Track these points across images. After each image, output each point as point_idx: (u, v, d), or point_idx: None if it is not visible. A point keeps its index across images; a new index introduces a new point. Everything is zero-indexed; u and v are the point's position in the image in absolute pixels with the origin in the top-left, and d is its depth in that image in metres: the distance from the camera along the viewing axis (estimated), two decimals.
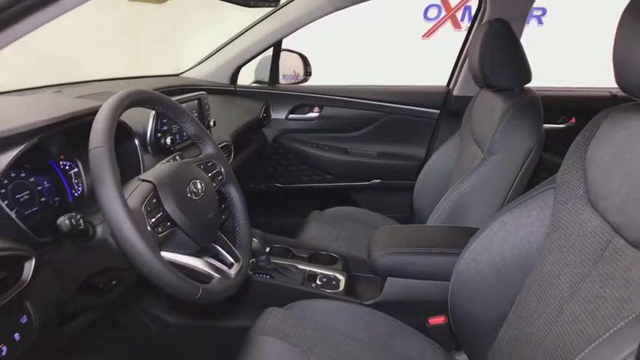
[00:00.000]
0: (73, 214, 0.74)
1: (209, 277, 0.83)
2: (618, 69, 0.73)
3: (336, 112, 2.07)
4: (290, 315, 1.09)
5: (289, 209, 2.15)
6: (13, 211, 0.81)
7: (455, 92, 1.98)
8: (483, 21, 1.73)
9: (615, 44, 0.73)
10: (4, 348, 0.69)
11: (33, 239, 0.76)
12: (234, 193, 1.04)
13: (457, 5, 4.56)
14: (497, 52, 1.40)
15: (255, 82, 2.14)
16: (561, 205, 0.85)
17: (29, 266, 0.70)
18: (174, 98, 1.16)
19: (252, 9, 1.26)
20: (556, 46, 4.07)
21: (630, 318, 0.61)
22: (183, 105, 1.24)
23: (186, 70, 2.03)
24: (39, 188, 0.93)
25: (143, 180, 0.81)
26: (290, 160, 2.11)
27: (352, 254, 1.48)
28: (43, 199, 0.93)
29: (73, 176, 1.02)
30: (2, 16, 0.49)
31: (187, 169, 0.90)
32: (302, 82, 2.13)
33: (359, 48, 4.62)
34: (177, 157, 1.02)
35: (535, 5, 4.43)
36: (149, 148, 1.13)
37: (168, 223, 0.80)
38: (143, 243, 0.68)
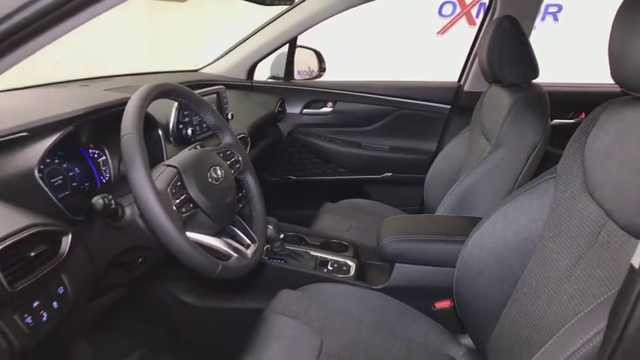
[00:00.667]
0: (106, 194, 0.82)
1: (227, 256, 0.90)
2: (613, 64, 0.77)
3: (350, 107, 2.13)
4: (302, 297, 1.16)
5: (303, 201, 2.22)
6: (56, 195, 0.89)
7: (466, 88, 2.01)
8: (494, 18, 1.77)
9: (610, 41, 0.77)
10: (45, 314, 0.77)
11: (69, 218, 0.83)
12: (250, 181, 1.11)
13: (472, 2, 4.57)
14: (505, 48, 1.44)
15: (270, 78, 2.20)
16: (561, 193, 0.89)
17: (66, 241, 0.77)
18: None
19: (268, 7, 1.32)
20: (572, 42, 4.06)
21: (606, 296, 0.66)
22: (206, 98, 1.31)
23: (205, 66, 2.10)
24: (71, 174, 1.01)
25: (168, 165, 0.88)
26: (304, 154, 2.18)
27: (363, 243, 1.54)
28: (74, 184, 1.01)
29: (101, 164, 1.10)
30: (42, 21, 0.55)
31: (208, 156, 0.97)
32: (316, 77, 2.19)
33: (375, 44, 4.66)
34: (198, 147, 1.09)
35: (551, 2, 4.42)
36: (171, 138, 1.20)
37: (191, 205, 0.87)
38: (169, 220, 0.75)
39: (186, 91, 1.00)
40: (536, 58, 1.46)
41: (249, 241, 1.00)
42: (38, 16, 0.53)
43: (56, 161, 0.97)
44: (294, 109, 2.13)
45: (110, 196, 0.82)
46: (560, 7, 4.22)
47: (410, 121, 2.10)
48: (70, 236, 0.78)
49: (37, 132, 0.84)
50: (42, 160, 0.83)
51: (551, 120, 1.45)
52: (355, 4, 1.85)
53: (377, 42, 4.64)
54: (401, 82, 2.15)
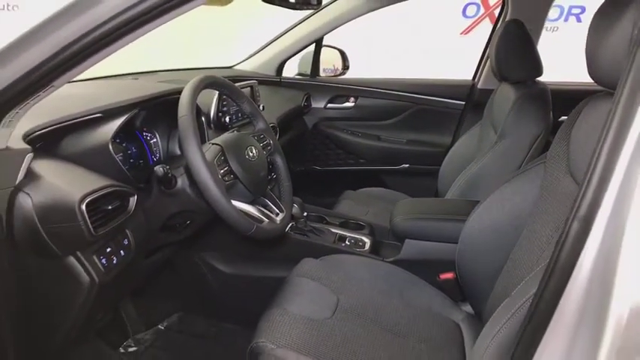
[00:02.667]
0: (164, 164, 1.01)
1: (260, 220, 1.07)
2: (589, 63, 0.90)
3: (371, 102, 2.29)
4: (322, 264, 1.32)
5: (325, 189, 2.39)
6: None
7: (479, 85, 2.15)
8: (506, 20, 1.90)
9: (587, 44, 0.90)
10: (115, 259, 0.96)
11: (134, 184, 1.02)
12: (279, 161, 1.28)
13: (495, 3, 4.64)
14: (512, 49, 1.58)
15: (298, 75, 2.38)
16: (549, 176, 1.03)
17: (133, 201, 0.97)
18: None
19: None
20: None
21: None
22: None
23: (238, 63, 2.29)
24: (129, 152, 1.20)
25: (213, 143, 1.07)
26: (328, 145, 2.35)
27: (378, 224, 1.70)
28: (131, 160, 1.21)
29: (152, 145, 1.29)
30: (121, 30, 0.71)
31: (245, 138, 1.15)
32: (340, 74, 2.35)
33: (401, 44, 4.78)
34: (235, 131, 1.27)
35: (574, 3, 4.45)
36: (212, 124, 1.39)
37: (232, 176, 1.05)
38: (215, 185, 0.93)
39: (229, 83, 1.18)
40: (541, 57, 1.59)
41: (277, 211, 1.17)
42: (127, 21, 0.70)
43: (117, 141, 1.17)
44: (318, 104, 2.30)
45: (168, 167, 1.01)
46: (583, 9, 4.26)
47: (426, 116, 2.24)
48: (136, 197, 0.97)
49: (109, 114, 1.04)
50: (114, 137, 1.02)
51: (559, 117, 1.56)
52: (376, 8, 2.01)
53: (404, 41, 4.75)
54: (418, 79, 2.29)
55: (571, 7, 4.22)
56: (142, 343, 1.56)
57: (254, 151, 1.13)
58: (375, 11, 2.07)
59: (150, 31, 0.75)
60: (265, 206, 1.16)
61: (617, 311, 0.55)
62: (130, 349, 1.55)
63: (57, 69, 0.73)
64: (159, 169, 0.99)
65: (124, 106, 1.07)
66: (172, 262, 1.55)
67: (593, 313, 0.57)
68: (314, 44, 2.22)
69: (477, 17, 4.83)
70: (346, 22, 2.09)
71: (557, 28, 4.26)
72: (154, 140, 1.31)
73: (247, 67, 2.27)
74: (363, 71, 2.42)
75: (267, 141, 1.26)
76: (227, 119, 1.41)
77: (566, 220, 0.60)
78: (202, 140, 1.22)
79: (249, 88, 1.61)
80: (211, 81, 1.09)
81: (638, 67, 0.56)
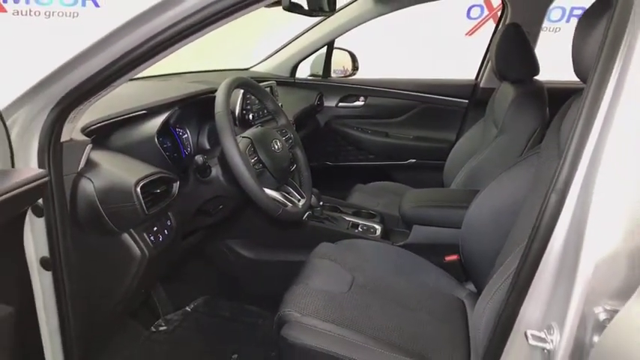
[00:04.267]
0: (203, 154, 1.15)
1: (285, 204, 1.21)
2: (574, 61, 1.02)
3: (379, 101, 2.42)
4: (338, 247, 1.46)
5: (337, 184, 2.51)
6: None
7: (482, 84, 2.27)
8: (506, 23, 2.03)
9: (572, 43, 1.02)
10: (161, 237, 1.10)
11: (175, 172, 1.16)
12: (299, 153, 1.42)
13: (498, 6, 4.75)
14: (510, 50, 1.71)
15: (310, 76, 2.52)
16: (542, 164, 1.15)
17: (176, 186, 1.11)
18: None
19: None
20: None
21: None
22: None
23: (254, 65, 2.44)
24: (164, 146, 1.34)
25: (244, 137, 1.21)
26: (339, 142, 2.48)
27: (388, 213, 1.83)
28: (167, 153, 1.35)
29: (184, 140, 1.44)
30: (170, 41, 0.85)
31: (270, 132, 1.29)
32: (350, 75, 2.49)
33: (407, 46, 4.89)
34: (260, 127, 1.41)
35: (576, 4, 4.55)
36: (237, 121, 1.53)
37: (260, 165, 1.19)
38: (248, 172, 1.07)
39: (255, 84, 1.32)
40: (544, 56, 1.71)
41: (299, 197, 1.31)
42: (176, 33, 0.84)
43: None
44: (330, 103, 2.44)
45: (205, 157, 1.15)
46: (584, 10, 4.36)
47: (432, 113, 2.38)
48: (178, 183, 1.11)
49: (153, 111, 1.19)
50: (159, 131, 1.16)
51: (555, 113, 1.67)
52: (384, 13, 2.14)
53: (410, 43, 4.86)
54: (424, 79, 2.42)
55: (573, 9, 4.34)
56: (172, 324, 1.71)
57: (278, 144, 1.26)
58: (383, 16, 2.20)
59: (195, 39, 0.89)
60: (288, 193, 1.30)
61: (585, 267, 0.67)
62: (161, 328, 1.69)
63: (116, 73, 0.87)
64: (199, 158, 1.13)
65: (166, 104, 1.21)
66: (201, 249, 1.69)
67: (566, 270, 0.70)
68: (326, 47, 2.35)
69: (480, 19, 4.95)
70: (356, 26, 2.22)
71: (560, 28, 4.37)
72: (186, 136, 1.45)
73: (263, 68, 2.41)
74: (374, 71, 2.56)
75: (289, 135, 1.40)
76: (250, 116, 1.55)
77: (546, 193, 0.73)
78: None
79: (269, 88, 1.74)
80: (242, 82, 1.24)
81: (603, 63, 0.68)
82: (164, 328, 1.70)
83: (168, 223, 1.14)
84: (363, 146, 2.46)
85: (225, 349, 1.59)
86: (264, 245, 1.69)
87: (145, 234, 1.05)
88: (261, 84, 1.73)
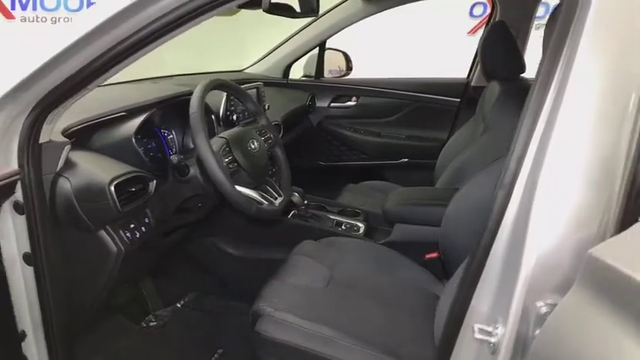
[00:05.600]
0: (179, 154, 1.18)
1: (260, 203, 1.24)
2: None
3: (371, 101, 2.44)
4: (320, 245, 1.48)
5: (330, 183, 2.54)
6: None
7: (473, 83, 2.28)
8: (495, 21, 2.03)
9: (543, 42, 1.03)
10: (137, 233, 1.14)
11: (153, 172, 1.20)
12: (279, 153, 1.45)
13: None
14: (496, 48, 1.72)
15: (304, 76, 2.54)
16: None
17: (152, 185, 1.14)
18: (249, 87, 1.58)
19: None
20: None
21: None
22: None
23: (248, 67, 2.47)
24: (149, 146, 1.38)
25: (220, 137, 1.24)
26: (331, 142, 2.51)
27: (374, 212, 1.85)
28: (151, 153, 1.39)
29: (169, 140, 1.47)
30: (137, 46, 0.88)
31: (248, 132, 1.32)
32: (344, 75, 2.51)
33: (409, 45, 4.89)
34: (239, 127, 1.44)
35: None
36: (221, 122, 1.56)
37: (235, 164, 1.22)
38: (220, 170, 1.10)
39: (234, 85, 1.35)
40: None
41: (277, 196, 1.34)
42: (142, 38, 0.87)
43: (139, 137, 1.35)
44: (323, 103, 2.46)
45: (182, 156, 1.19)
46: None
47: (424, 113, 2.39)
48: (155, 182, 1.15)
49: (132, 112, 1.22)
50: (136, 132, 1.20)
51: None
52: (373, 13, 2.16)
53: (412, 41, 4.86)
54: (416, 78, 2.44)
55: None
56: (161, 319, 1.75)
57: (255, 144, 1.29)
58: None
59: (160, 45, 0.92)
60: (266, 192, 1.32)
61: (527, 262, 0.69)
62: (151, 324, 1.73)
63: (90, 76, 0.90)
64: (174, 157, 1.17)
65: (144, 106, 1.25)
66: (187, 246, 1.73)
67: (511, 265, 0.71)
68: (317, 48, 2.38)
69: (483, 17, 4.92)
70: (346, 26, 2.25)
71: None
72: (171, 136, 1.49)
73: (256, 70, 2.44)
74: (374, 70, 2.58)
75: (269, 135, 1.42)
76: (234, 117, 1.58)
77: (495, 189, 0.74)
78: (211, 134, 1.39)
79: (255, 90, 1.78)
80: (219, 83, 1.27)
81: (546, 69, 0.70)
82: (154, 323, 1.74)
83: (146, 221, 1.17)
84: (356, 146, 2.48)
85: (211, 345, 1.63)
86: (249, 243, 1.72)
87: (121, 231, 1.09)
88: (248, 85, 1.77)
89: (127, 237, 1.10)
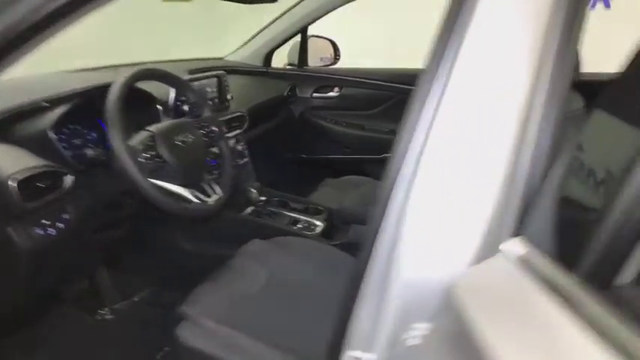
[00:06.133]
0: (98, 148, 1.12)
1: (190, 201, 1.17)
2: None
3: (355, 92, 2.33)
4: (267, 245, 1.41)
5: (311, 177, 2.45)
6: (68, 150, 1.20)
7: None
8: None
9: None
10: (53, 230, 1.09)
11: (75, 165, 1.14)
12: (222, 148, 1.37)
13: None
14: None
15: (288, 65, 2.45)
16: None
17: (68, 180, 1.08)
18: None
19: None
20: (626, 29, 3.87)
21: None
22: (204, 82, 1.60)
23: (229, 54, 2.39)
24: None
25: (147, 129, 1.17)
26: (314, 135, 2.41)
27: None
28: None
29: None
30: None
31: (182, 125, 1.25)
32: (332, 64, 2.40)
33: (411, 43, 4.71)
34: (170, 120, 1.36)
35: None
36: (171, 113, 1.49)
37: (159, 159, 1.15)
38: (133, 165, 1.03)
39: (167, 74, 1.28)
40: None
41: (213, 194, 1.27)
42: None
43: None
44: (305, 94, 2.37)
45: (100, 150, 1.13)
46: None
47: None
48: (70, 177, 1.09)
49: (53, 103, 1.16)
50: (57, 124, 1.14)
51: None
52: None
53: (412, 41, 4.69)
54: (401, 69, 2.31)
55: None
56: (117, 313, 1.71)
57: (189, 137, 1.22)
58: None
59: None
60: (201, 189, 1.25)
61: (395, 290, 0.61)
62: (107, 317, 1.71)
63: None
64: (88, 151, 1.11)
65: (66, 97, 1.19)
66: (143, 239, 1.68)
67: (384, 287, 0.63)
68: (300, 35, 2.28)
69: None
70: (329, 12, 2.14)
71: None
72: None
73: (238, 57, 2.36)
74: (371, 63, 2.46)
75: (211, 128, 1.35)
76: (186, 107, 1.51)
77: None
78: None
79: (215, 79, 1.70)
80: (145, 73, 1.20)
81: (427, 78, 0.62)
82: (110, 317, 1.71)
83: (65, 217, 1.12)
84: (338, 139, 2.38)
85: (161, 342, 1.59)
86: (204, 238, 1.66)
87: (30, 227, 1.04)
88: (208, 74, 1.69)
89: (38, 234, 1.05)
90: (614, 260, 0.39)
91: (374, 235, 0.64)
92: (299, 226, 1.61)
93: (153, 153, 1.14)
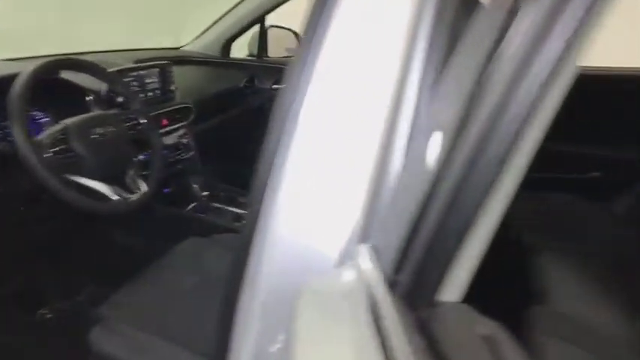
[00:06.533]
0: (6, 141, 1.06)
1: (108, 197, 1.11)
2: None
3: None
4: (204, 243, 1.35)
5: None
6: None
7: None
8: None
9: None
10: None
11: None
12: (152, 141, 1.31)
13: None
14: None
15: (248, 55, 2.37)
16: None
17: None
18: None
19: None
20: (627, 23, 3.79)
21: None
22: (144, 72, 1.53)
23: (186, 44, 2.31)
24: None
25: (61, 123, 1.11)
26: None
27: None
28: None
29: (43, 124, 1.34)
30: None
31: (102, 117, 1.18)
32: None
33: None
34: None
35: None
36: (103, 104, 1.42)
37: (71, 153, 1.09)
38: (37, 161, 0.97)
39: (88, 63, 1.21)
40: None
41: (139, 188, 1.21)
42: None
43: None
44: (265, 85, 2.29)
45: (8, 143, 1.06)
46: None
47: None
48: None
49: None
50: None
51: None
52: None
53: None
54: None
55: None
56: (57, 312, 1.65)
57: (108, 130, 1.16)
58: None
59: None
60: (122, 183, 1.19)
61: (259, 302, 0.57)
62: (48, 316, 1.64)
63: None
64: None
65: None
66: (81, 235, 1.62)
67: (252, 294, 0.59)
68: (259, 25, 2.20)
69: None
70: (286, 1, 2.07)
71: None
72: (46, 120, 1.36)
73: (195, 47, 2.29)
74: None
75: (138, 121, 1.29)
76: (120, 99, 1.44)
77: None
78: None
79: (157, 69, 1.62)
80: (62, 63, 1.13)
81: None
82: (50, 316, 1.64)
83: None
84: None
85: None
86: (144, 234, 1.60)
87: None
88: (150, 64, 1.62)
89: None
90: (431, 276, 0.34)
91: (249, 237, 0.59)
92: (243, 222, 1.55)
93: (63, 147, 1.08)
